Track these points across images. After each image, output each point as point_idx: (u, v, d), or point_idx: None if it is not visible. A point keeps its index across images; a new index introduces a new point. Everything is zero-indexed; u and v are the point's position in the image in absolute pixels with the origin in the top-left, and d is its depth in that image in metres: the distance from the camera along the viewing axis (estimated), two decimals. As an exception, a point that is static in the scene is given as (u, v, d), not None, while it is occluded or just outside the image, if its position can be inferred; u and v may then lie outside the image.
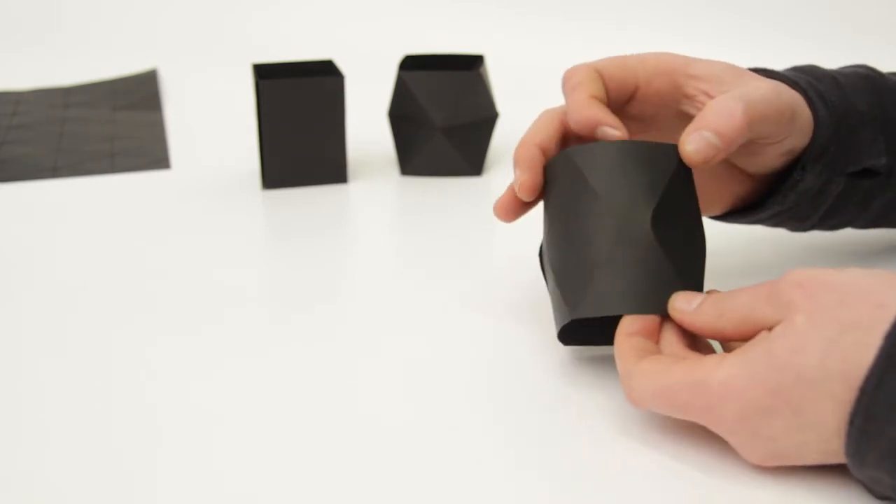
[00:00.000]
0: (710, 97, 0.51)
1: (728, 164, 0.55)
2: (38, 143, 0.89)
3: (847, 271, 0.42)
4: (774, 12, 1.13)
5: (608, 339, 0.52)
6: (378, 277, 0.63)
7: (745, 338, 0.44)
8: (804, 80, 0.54)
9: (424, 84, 0.78)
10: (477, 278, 0.63)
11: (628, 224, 0.47)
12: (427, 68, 0.83)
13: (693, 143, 0.48)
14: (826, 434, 0.40)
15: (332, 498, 0.43)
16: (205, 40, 1.26)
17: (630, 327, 0.47)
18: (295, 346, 0.55)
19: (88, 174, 0.82)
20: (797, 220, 0.57)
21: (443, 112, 0.78)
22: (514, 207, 0.53)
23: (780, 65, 1.04)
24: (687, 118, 0.54)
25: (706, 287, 0.60)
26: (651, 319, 0.47)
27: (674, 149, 0.49)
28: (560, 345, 0.55)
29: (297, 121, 0.76)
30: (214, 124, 0.95)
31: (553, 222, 0.50)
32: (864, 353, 0.39)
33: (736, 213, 0.58)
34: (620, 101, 0.53)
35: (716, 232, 0.69)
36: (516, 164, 0.52)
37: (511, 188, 0.53)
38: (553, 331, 0.56)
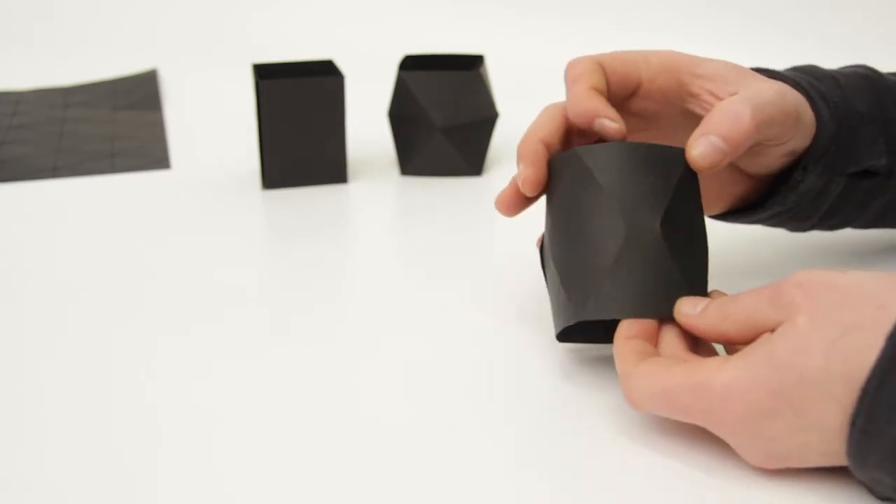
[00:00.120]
0: (715, 96, 0.51)
1: (729, 164, 0.55)
2: (38, 143, 0.89)
3: (849, 273, 0.42)
4: (774, 12, 1.13)
5: (607, 339, 0.52)
6: (378, 277, 0.63)
7: (749, 340, 0.43)
8: (805, 80, 0.54)
9: (424, 84, 0.78)
10: (477, 278, 0.63)
11: (638, 226, 0.47)
12: (427, 68, 0.83)
13: (699, 148, 0.48)
14: (827, 435, 0.40)
15: (333, 498, 0.43)
16: (205, 40, 1.26)
17: (629, 330, 0.47)
18: (295, 346, 0.55)
19: (88, 174, 0.82)
20: (797, 220, 0.57)
21: (443, 112, 0.78)
22: (516, 202, 0.53)
23: (780, 65, 1.04)
24: (690, 116, 0.53)
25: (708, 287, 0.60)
26: (650, 323, 0.47)
27: (682, 152, 0.49)
28: (560, 345, 0.55)
29: (297, 121, 0.76)
30: (214, 124, 0.95)
31: (557, 219, 0.50)
32: (866, 354, 0.39)
33: (735, 213, 0.58)
34: (623, 95, 0.53)
35: (716, 232, 0.69)
36: (520, 158, 0.52)
37: (513, 182, 0.53)
38: (552, 329, 0.56)
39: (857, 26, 1.08)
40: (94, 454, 0.46)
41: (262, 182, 0.78)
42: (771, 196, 0.56)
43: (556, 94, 1.03)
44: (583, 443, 0.46)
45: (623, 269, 0.47)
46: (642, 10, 1.18)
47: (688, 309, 0.47)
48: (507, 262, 0.65)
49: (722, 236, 0.68)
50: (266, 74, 0.79)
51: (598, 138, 0.53)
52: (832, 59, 0.72)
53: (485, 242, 0.69)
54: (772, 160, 0.53)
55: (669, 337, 0.47)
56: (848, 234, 0.68)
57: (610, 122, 0.50)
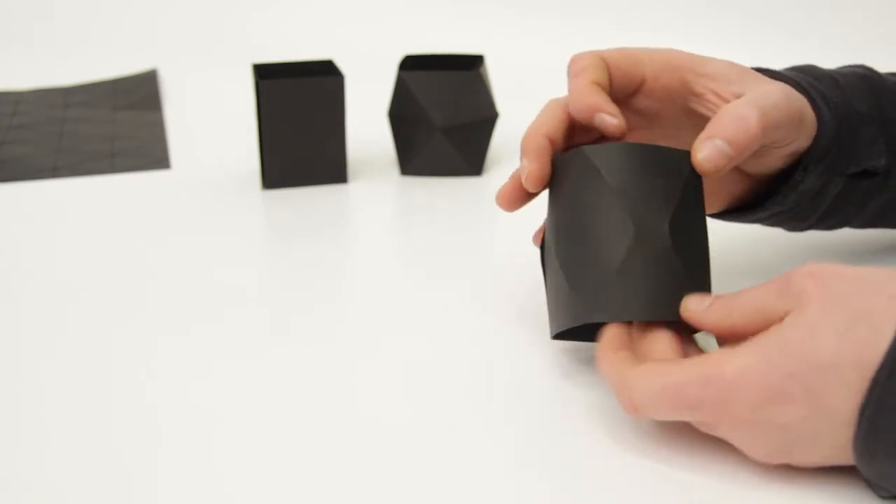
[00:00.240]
0: (718, 96, 0.51)
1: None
2: (38, 143, 0.89)
3: (859, 266, 0.42)
4: (774, 12, 1.13)
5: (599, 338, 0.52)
6: (378, 277, 0.63)
7: (757, 332, 0.43)
8: (805, 80, 0.54)
9: (424, 84, 0.78)
10: (477, 278, 0.63)
11: (646, 227, 0.47)
12: (427, 68, 0.83)
13: (705, 151, 0.48)
14: (837, 422, 0.40)
15: (333, 498, 0.43)
16: (205, 40, 1.26)
17: (612, 342, 0.47)
18: (295, 346, 0.55)
19: (88, 174, 0.82)
20: (796, 220, 0.57)
21: (443, 112, 0.78)
22: (517, 197, 0.53)
23: (780, 65, 1.04)
24: (693, 115, 0.53)
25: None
26: (627, 335, 0.47)
27: (688, 155, 0.49)
28: (560, 344, 0.55)
29: (297, 121, 0.76)
30: (214, 124, 0.95)
31: (563, 218, 0.50)
32: (878, 342, 0.39)
33: (733, 212, 0.58)
34: (626, 92, 0.53)
35: (716, 232, 0.69)
36: (524, 153, 0.51)
37: (515, 177, 0.53)
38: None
39: (857, 26, 1.08)
40: (94, 454, 0.46)
41: (262, 182, 0.78)
42: (770, 196, 0.56)
43: (556, 94, 1.02)
44: (583, 443, 0.46)
45: (631, 271, 0.47)
46: (642, 10, 1.18)
47: (695, 305, 0.46)
48: (507, 262, 0.65)
49: (722, 236, 0.68)
50: (266, 74, 0.79)
51: (601, 135, 0.53)
52: (832, 59, 0.72)
53: (485, 242, 0.69)
54: (773, 161, 0.53)
55: (661, 342, 0.46)
56: (846, 234, 0.68)
57: (610, 117, 0.50)
